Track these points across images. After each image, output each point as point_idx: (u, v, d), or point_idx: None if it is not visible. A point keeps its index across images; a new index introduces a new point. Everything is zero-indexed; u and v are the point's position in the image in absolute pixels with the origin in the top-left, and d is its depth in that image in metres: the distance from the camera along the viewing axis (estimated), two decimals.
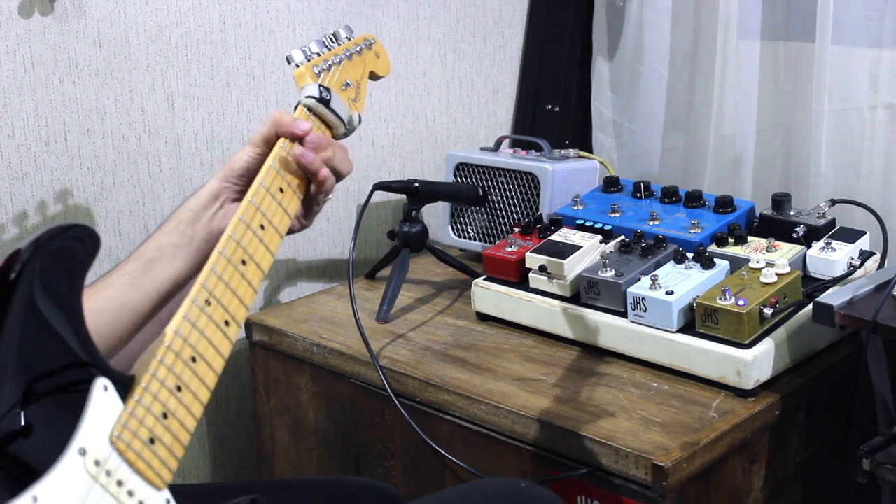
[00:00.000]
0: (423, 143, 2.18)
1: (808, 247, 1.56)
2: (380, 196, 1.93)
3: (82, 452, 0.85)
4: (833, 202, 1.66)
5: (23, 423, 0.84)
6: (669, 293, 1.46)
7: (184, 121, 1.82)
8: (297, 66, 1.24)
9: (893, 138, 1.79)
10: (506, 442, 1.46)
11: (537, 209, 1.86)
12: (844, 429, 1.58)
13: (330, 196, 1.22)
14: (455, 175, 1.97)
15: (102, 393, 0.88)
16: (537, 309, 1.62)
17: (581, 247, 1.61)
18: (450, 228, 2.00)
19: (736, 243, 1.58)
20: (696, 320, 1.45)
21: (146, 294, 1.13)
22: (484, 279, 1.71)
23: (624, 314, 1.52)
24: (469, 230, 1.99)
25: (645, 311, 1.48)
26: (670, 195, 1.74)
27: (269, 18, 1.89)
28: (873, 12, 1.77)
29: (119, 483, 0.87)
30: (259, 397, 1.82)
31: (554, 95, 2.25)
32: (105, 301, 1.10)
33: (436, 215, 2.11)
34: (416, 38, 2.11)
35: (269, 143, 1.18)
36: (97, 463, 0.86)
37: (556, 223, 1.71)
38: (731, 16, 1.93)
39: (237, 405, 1.99)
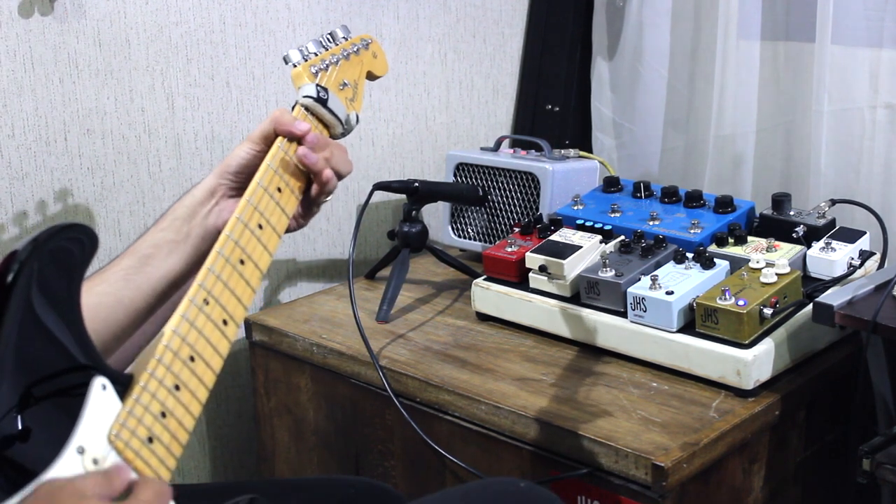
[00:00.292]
0: (423, 143, 2.18)
1: (808, 247, 1.56)
2: (380, 196, 1.93)
3: (81, 451, 0.85)
4: (833, 202, 1.66)
5: (20, 426, 0.84)
6: (669, 293, 1.46)
7: (184, 121, 1.82)
8: (295, 65, 1.24)
9: (893, 138, 1.79)
10: (506, 442, 1.46)
11: (537, 209, 1.86)
12: (844, 429, 1.58)
13: (329, 198, 1.22)
14: (455, 175, 1.97)
15: (101, 392, 0.88)
16: (537, 309, 1.62)
17: (581, 247, 1.61)
18: (450, 228, 2.00)
19: (736, 243, 1.58)
20: (696, 320, 1.45)
21: (141, 290, 1.13)
22: (484, 279, 1.71)
23: (624, 314, 1.52)
24: (469, 230, 1.99)
25: (645, 311, 1.48)
26: (670, 195, 1.74)
27: (269, 18, 1.89)
28: (873, 12, 1.77)
29: None
30: (259, 397, 1.82)
31: (554, 95, 2.25)
32: (100, 296, 1.10)
33: (436, 215, 2.11)
34: (416, 38, 2.11)
35: (267, 141, 1.18)
36: (95, 461, 0.86)
37: (556, 223, 1.71)
38: (730, 16, 1.93)
39: (237, 405, 1.99)
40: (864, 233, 1.58)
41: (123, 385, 0.91)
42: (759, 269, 1.47)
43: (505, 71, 2.28)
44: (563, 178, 1.85)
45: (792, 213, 1.65)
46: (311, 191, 1.19)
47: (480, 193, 1.92)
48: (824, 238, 1.57)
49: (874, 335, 1.39)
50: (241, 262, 1.04)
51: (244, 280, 1.04)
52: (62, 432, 0.85)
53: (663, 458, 1.29)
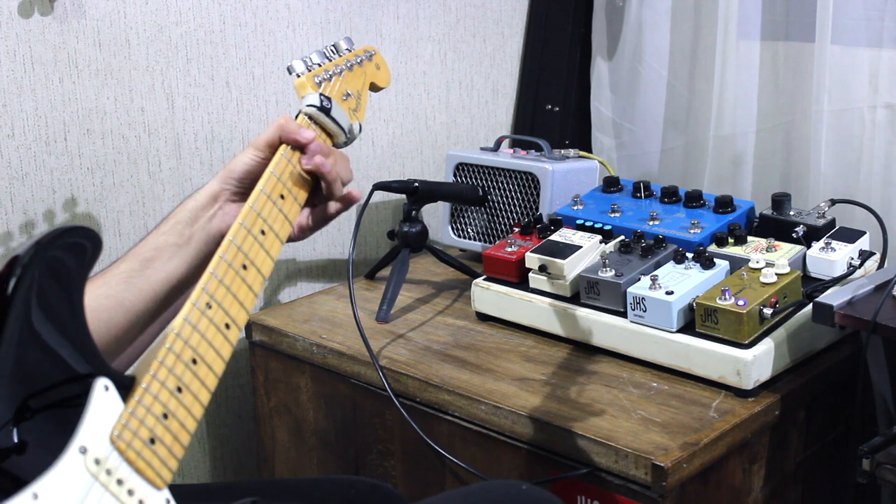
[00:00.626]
0: (422, 143, 2.18)
1: (808, 247, 1.56)
2: (380, 196, 1.93)
3: (83, 451, 0.85)
4: (833, 202, 1.66)
5: (16, 438, 0.84)
6: (669, 293, 1.46)
7: (184, 121, 1.82)
8: (299, 76, 1.25)
9: (893, 138, 1.79)
10: (506, 442, 1.46)
11: (537, 209, 1.86)
12: (844, 429, 1.58)
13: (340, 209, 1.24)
14: (455, 175, 1.97)
15: (103, 393, 0.88)
16: (537, 309, 1.62)
17: (581, 247, 1.61)
18: (450, 228, 2.01)
19: (736, 243, 1.58)
20: (696, 320, 1.45)
21: (142, 293, 1.13)
22: (484, 279, 1.71)
23: (624, 314, 1.52)
24: (469, 230, 1.99)
25: (645, 311, 1.48)
26: (670, 195, 1.74)
27: (269, 18, 1.89)
28: (873, 12, 1.77)
29: (119, 482, 0.87)
30: (259, 397, 1.82)
31: (554, 95, 2.25)
32: (101, 299, 1.10)
33: (436, 215, 2.11)
34: (416, 38, 2.12)
35: (271, 148, 1.18)
36: (97, 461, 0.86)
37: (556, 223, 1.71)
38: (730, 16, 1.93)
39: (237, 405, 1.99)
40: (864, 233, 1.58)
41: (126, 386, 0.91)
42: (759, 269, 1.47)
43: (505, 71, 2.28)
44: (563, 178, 1.85)
45: (792, 213, 1.65)
46: (319, 195, 1.20)
47: (480, 193, 1.93)
48: (824, 238, 1.57)
49: (874, 335, 1.40)
50: (244, 267, 1.05)
51: (247, 285, 1.04)
52: (64, 430, 0.86)
53: (663, 458, 1.29)
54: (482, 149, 2.03)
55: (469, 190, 1.93)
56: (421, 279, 1.92)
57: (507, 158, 1.93)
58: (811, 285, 1.52)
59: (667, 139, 2.12)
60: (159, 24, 1.76)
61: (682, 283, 1.48)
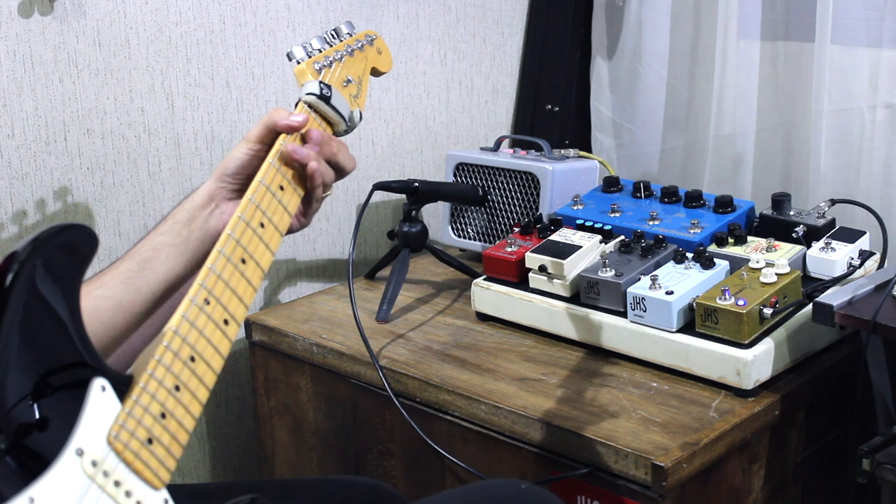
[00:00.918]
0: (422, 143, 2.18)
1: (808, 247, 1.56)
2: (380, 196, 1.93)
3: (79, 453, 0.85)
4: (833, 202, 1.66)
5: (37, 414, 0.84)
6: (669, 293, 1.46)
7: (184, 121, 1.82)
8: (298, 62, 1.24)
9: (893, 138, 1.79)
10: (506, 442, 1.46)
11: (537, 209, 1.86)
12: (844, 429, 1.57)
13: (329, 192, 1.21)
14: (455, 175, 1.96)
15: (100, 393, 0.88)
16: (537, 309, 1.62)
17: (581, 247, 1.61)
18: (450, 228, 2.00)
19: (736, 243, 1.58)
20: (696, 320, 1.45)
21: (140, 293, 1.13)
22: (484, 279, 1.71)
23: (624, 314, 1.52)
24: (469, 230, 1.99)
25: (645, 311, 1.48)
26: (670, 195, 1.74)
27: (269, 18, 1.89)
28: (873, 12, 1.77)
29: (116, 483, 0.87)
30: (259, 397, 1.82)
31: (554, 95, 2.25)
32: (100, 300, 1.10)
33: (436, 215, 2.11)
34: (416, 38, 2.11)
35: (264, 140, 1.17)
36: (94, 463, 0.86)
37: (556, 223, 1.71)
38: (730, 16, 1.93)
39: (237, 405, 1.99)
40: (864, 233, 1.58)
41: (123, 386, 0.91)
42: (759, 269, 1.47)
43: (505, 71, 2.28)
44: (563, 178, 1.85)
45: (792, 213, 1.65)
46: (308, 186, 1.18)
47: (480, 193, 1.92)
48: (824, 238, 1.57)
49: (874, 335, 1.39)
50: (243, 261, 1.04)
51: (245, 279, 1.04)
52: (61, 430, 0.85)
53: (663, 458, 1.29)
54: (482, 149, 2.03)
55: (469, 190, 1.93)
56: (421, 279, 1.92)
57: (507, 158, 1.92)
58: (811, 285, 1.51)
59: (667, 139, 2.12)
60: (159, 24, 1.76)
61: (682, 283, 1.48)
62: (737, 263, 1.53)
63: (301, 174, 1.16)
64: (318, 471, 1.75)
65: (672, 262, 1.54)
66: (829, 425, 1.57)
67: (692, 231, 1.63)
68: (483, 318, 1.72)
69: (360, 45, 1.32)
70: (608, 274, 1.53)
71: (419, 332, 1.70)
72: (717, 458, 1.36)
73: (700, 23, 2.01)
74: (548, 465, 1.41)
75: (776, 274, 1.46)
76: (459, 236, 2.00)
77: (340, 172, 1.21)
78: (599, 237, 1.64)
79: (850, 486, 1.54)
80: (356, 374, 1.63)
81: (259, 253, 1.06)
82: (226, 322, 1.00)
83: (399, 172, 2.14)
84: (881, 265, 1.61)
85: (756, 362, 1.40)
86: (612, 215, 1.71)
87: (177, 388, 0.93)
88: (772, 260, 1.49)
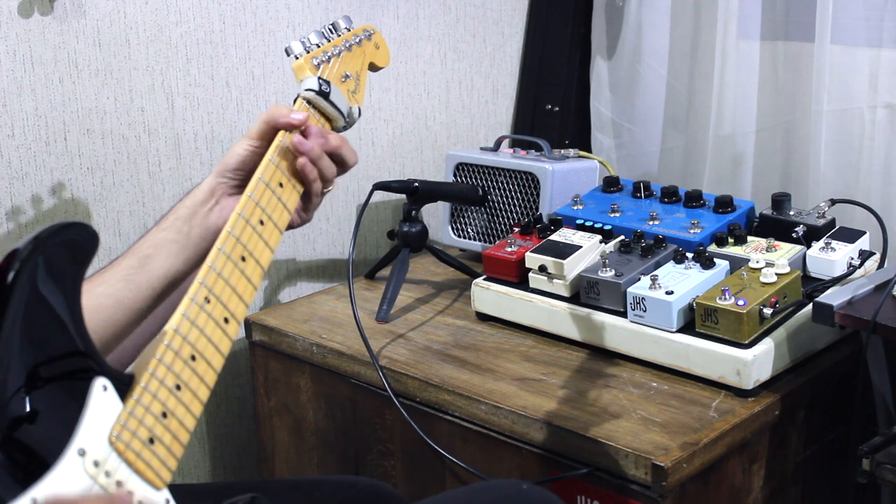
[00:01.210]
0: (422, 143, 2.18)
1: (808, 247, 1.56)
2: (380, 196, 1.93)
3: (81, 453, 0.85)
4: (833, 202, 1.66)
5: (27, 408, 0.84)
6: (669, 293, 1.46)
7: (184, 121, 1.82)
8: (296, 57, 1.23)
9: (893, 138, 1.79)
10: (506, 442, 1.46)
11: (537, 209, 1.86)
12: (844, 429, 1.58)
13: (331, 188, 1.21)
14: (455, 175, 1.96)
15: (101, 393, 0.88)
16: (537, 309, 1.62)
17: (581, 247, 1.61)
18: (450, 228, 2.00)
19: (736, 243, 1.58)
20: (696, 320, 1.45)
21: (141, 290, 1.12)
22: (484, 279, 1.71)
23: (624, 314, 1.52)
24: (469, 230, 1.99)
25: (645, 311, 1.48)
26: (670, 195, 1.74)
27: (269, 18, 1.89)
28: (873, 12, 1.77)
29: (118, 483, 0.87)
30: (259, 397, 1.82)
31: (553, 95, 2.25)
32: (101, 297, 1.10)
33: (436, 215, 2.11)
34: (416, 37, 2.11)
35: (265, 137, 1.17)
36: (96, 463, 0.86)
37: (556, 223, 1.71)
38: (730, 15, 1.93)
39: (237, 405, 1.99)
40: (864, 233, 1.58)
41: (124, 385, 0.91)
42: (759, 269, 1.47)
43: (505, 71, 2.28)
44: (563, 178, 1.85)
45: (792, 212, 1.65)
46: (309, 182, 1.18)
47: (480, 193, 1.92)
48: (824, 238, 1.57)
49: (874, 335, 1.40)
50: (243, 258, 1.04)
51: (245, 277, 1.03)
52: (63, 430, 0.85)
53: (663, 458, 1.29)
54: (482, 149, 2.03)
55: (469, 190, 1.93)
56: (421, 279, 1.92)
57: (507, 158, 1.92)
58: (811, 285, 1.52)
59: (666, 139, 2.12)
60: (159, 24, 1.75)
61: (682, 282, 1.48)
62: (737, 263, 1.53)
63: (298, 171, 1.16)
64: (318, 471, 1.75)
65: (672, 262, 1.54)
66: (829, 425, 1.57)
67: (692, 231, 1.63)
68: (483, 318, 1.72)
69: (358, 41, 1.32)
70: (608, 274, 1.54)
71: (419, 332, 1.70)
72: (717, 458, 1.36)
73: (700, 23, 2.01)
74: (548, 465, 1.41)
75: (776, 274, 1.46)
76: (459, 236, 2.00)
77: (343, 166, 1.21)
78: (599, 237, 1.64)
79: (850, 486, 1.55)
80: (356, 374, 1.63)
81: (259, 250, 1.06)
82: (226, 320, 1.00)
83: (399, 172, 2.14)
84: (881, 265, 1.61)
85: (756, 362, 1.41)
86: (612, 215, 1.71)
87: (178, 388, 0.93)
88: (772, 260, 1.49)
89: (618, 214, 1.71)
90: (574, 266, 1.59)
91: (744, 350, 1.41)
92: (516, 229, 1.74)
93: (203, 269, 1.00)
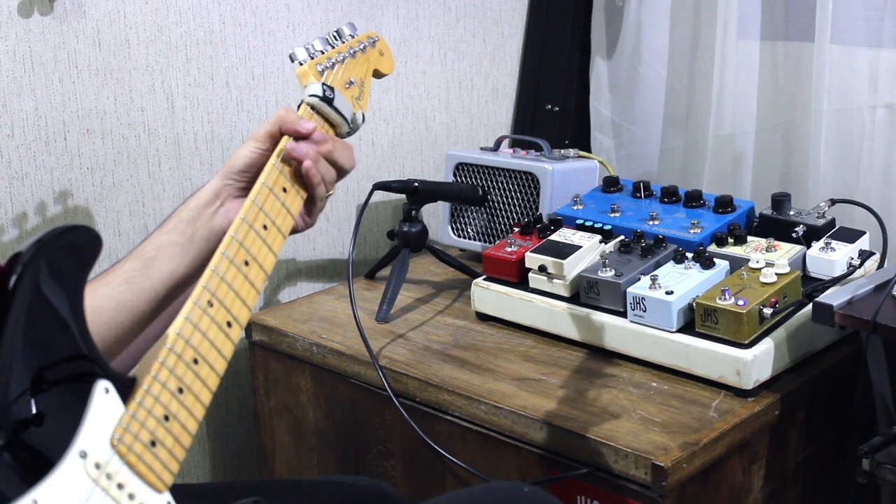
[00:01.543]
0: (422, 143, 2.18)
1: (808, 247, 1.56)
2: (379, 196, 1.93)
3: (83, 455, 0.85)
4: (833, 202, 1.66)
5: (34, 410, 0.84)
6: (669, 293, 1.46)
7: (183, 121, 1.82)
8: (301, 64, 1.23)
9: (893, 138, 1.79)
10: (506, 442, 1.46)
11: (537, 209, 1.86)
12: (844, 429, 1.58)
13: (332, 192, 1.21)
14: (455, 175, 1.97)
15: (103, 395, 0.88)
16: (537, 309, 1.62)
17: (581, 247, 1.61)
18: (450, 228, 2.01)
19: (736, 243, 1.59)
20: (696, 320, 1.45)
21: (144, 293, 1.12)
22: (484, 279, 1.71)
23: (624, 314, 1.52)
24: (469, 230, 1.99)
25: (645, 311, 1.48)
26: (670, 195, 1.74)
27: (269, 18, 1.89)
28: (872, 12, 1.77)
29: (120, 486, 0.87)
30: (259, 397, 1.82)
31: (553, 95, 2.25)
32: (103, 300, 1.09)
33: (436, 215, 2.11)
34: (416, 38, 2.11)
35: (272, 140, 1.17)
36: (98, 466, 0.86)
37: (556, 223, 1.71)
38: (730, 15, 1.93)
39: (237, 405, 1.99)
40: (864, 233, 1.59)
41: (126, 388, 0.91)
42: (759, 269, 1.47)
43: (505, 71, 2.28)
44: (563, 178, 1.85)
45: (792, 212, 1.65)
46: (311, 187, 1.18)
47: (480, 193, 1.92)
48: (824, 238, 1.57)
49: (874, 335, 1.40)
50: (246, 263, 1.04)
51: (248, 282, 1.04)
52: (65, 432, 0.85)
53: (663, 458, 1.29)
54: (482, 149, 2.03)
55: (469, 190, 1.93)
56: (421, 279, 1.92)
57: (507, 158, 1.93)
58: (811, 285, 1.52)
59: (666, 139, 2.12)
60: (159, 24, 1.75)
61: (681, 282, 1.48)
62: (737, 263, 1.53)
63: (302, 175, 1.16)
64: (318, 471, 1.75)
65: (672, 262, 1.54)
66: (829, 425, 1.57)
67: (692, 231, 1.63)
68: (483, 318, 1.72)
69: (362, 47, 1.32)
70: (608, 274, 1.54)
71: (419, 332, 1.70)
72: (717, 458, 1.36)
73: (700, 22, 2.01)
74: (548, 465, 1.42)
75: (776, 274, 1.46)
76: (459, 236, 2.00)
77: (339, 171, 1.21)
78: (599, 237, 1.64)
79: (850, 486, 1.55)
80: (356, 374, 1.63)
81: (262, 255, 1.06)
82: (229, 324, 1.00)
83: (399, 172, 2.14)
84: (881, 265, 1.61)
85: (756, 362, 1.41)
86: (612, 215, 1.71)
87: (180, 391, 0.93)
88: (772, 260, 1.50)
89: (618, 214, 1.71)
90: (574, 266, 1.59)
91: (744, 350, 1.41)
92: (516, 229, 1.74)
93: (206, 273, 1.00)
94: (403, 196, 1.86)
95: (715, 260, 1.52)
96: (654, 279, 1.49)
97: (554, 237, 1.66)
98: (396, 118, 2.12)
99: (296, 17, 1.93)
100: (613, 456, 1.33)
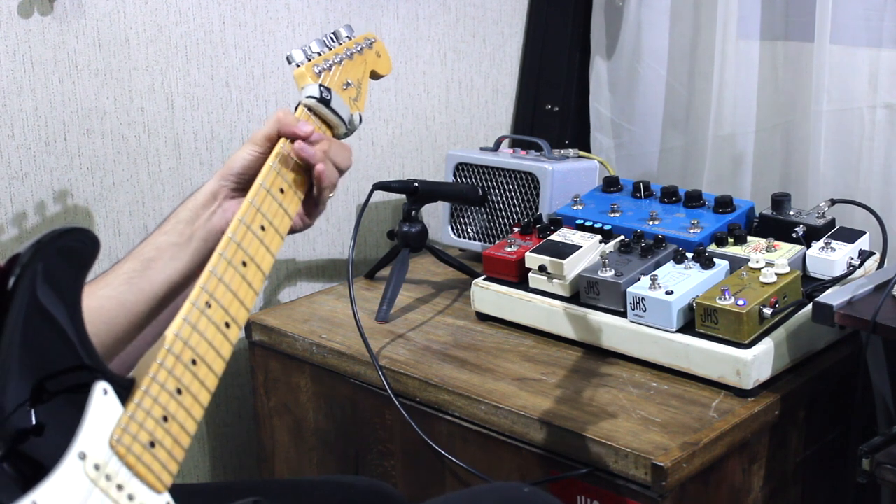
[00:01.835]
0: (422, 143, 2.18)
1: (808, 247, 1.56)
2: (379, 196, 1.93)
3: (82, 457, 0.85)
4: (833, 202, 1.66)
5: (34, 421, 0.84)
6: (669, 293, 1.46)
7: (183, 121, 1.82)
8: (298, 65, 1.24)
9: (893, 138, 1.79)
10: (506, 442, 1.46)
11: (537, 209, 1.86)
12: (844, 429, 1.58)
13: (333, 193, 1.21)
14: (455, 175, 1.97)
15: (102, 396, 0.88)
16: (537, 309, 1.62)
17: (581, 247, 1.61)
18: (449, 228, 2.01)
19: (735, 243, 1.58)
20: (696, 320, 1.45)
21: (144, 293, 1.12)
22: (484, 279, 1.71)
23: (624, 314, 1.52)
24: (469, 230, 1.99)
25: (644, 311, 1.48)
26: (670, 195, 1.74)
27: (268, 18, 1.89)
28: (872, 12, 1.77)
29: (119, 487, 0.87)
30: (259, 397, 1.82)
31: (553, 95, 2.25)
32: (103, 300, 1.10)
33: (436, 215, 2.11)
34: (416, 38, 2.11)
35: (270, 142, 1.17)
36: (97, 467, 0.86)
37: (556, 223, 1.71)
38: (730, 15, 1.93)
39: (237, 405, 1.99)
40: (864, 233, 1.59)
41: (125, 389, 0.91)
42: (759, 269, 1.47)
43: (505, 71, 2.28)
44: (563, 178, 1.85)
45: (791, 212, 1.65)
46: (312, 188, 1.18)
47: (480, 193, 1.92)
48: (824, 238, 1.57)
49: (874, 335, 1.40)
50: (244, 263, 1.04)
51: (246, 282, 1.04)
52: (64, 433, 0.85)
53: (663, 458, 1.29)
54: (482, 149, 2.03)
55: (469, 190, 1.93)
56: (421, 279, 1.92)
57: (507, 158, 1.93)
58: (811, 285, 1.52)
59: (666, 139, 2.12)
60: (159, 24, 1.75)
61: (681, 282, 1.48)
62: (737, 263, 1.53)
63: (302, 176, 1.16)
64: (318, 471, 1.75)
65: (672, 262, 1.54)
66: (829, 425, 1.57)
67: (692, 231, 1.63)
68: (483, 318, 1.72)
69: (359, 49, 1.33)
70: (608, 274, 1.54)
71: (419, 332, 1.70)
72: (717, 458, 1.36)
73: (699, 22, 2.01)
74: (548, 465, 1.42)
75: (776, 274, 1.46)
76: (459, 236, 2.00)
77: (339, 171, 1.22)
78: (599, 237, 1.64)
79: (850, 486, 1.55)
80: (356, 374, 1.63)
81: (260, 256, 1.06)
82: (227, 325, 1.00)
83: (399, 172, 2.14)
84: (881, 265, 1.61)
85: (756, 362, 1.41)
86: (612, 215, 1.71)
87: (179, 392, 0.93)
88: (772, 260, 1.50)
89: (618, 214, 1.71)
90: (574, 266, 1.59)
91: (744, 350, 1.41)
92: (516, 229, 1.74)
93: (204, 274, 1.00)
94: (403, 196, 1.86)
95: (715, 260, 1.52)
96: (653, 279, 1.49)
97: (554, 237, 1.66)
98: (396, 118, 2.12)
99: (296, 17, 1.93)
100: (613, 456, 1.33)
